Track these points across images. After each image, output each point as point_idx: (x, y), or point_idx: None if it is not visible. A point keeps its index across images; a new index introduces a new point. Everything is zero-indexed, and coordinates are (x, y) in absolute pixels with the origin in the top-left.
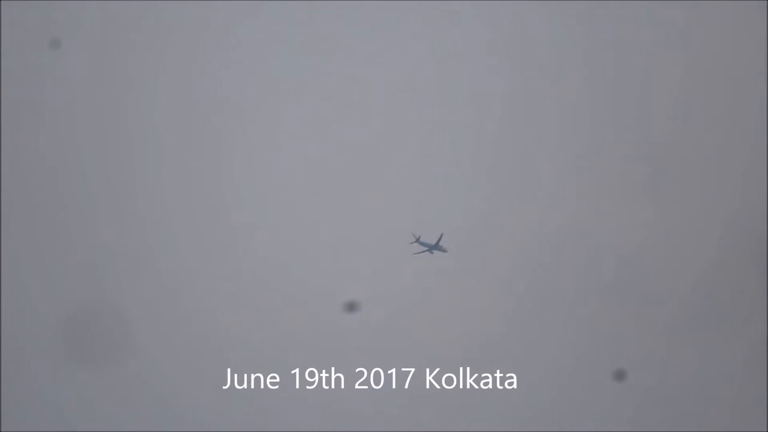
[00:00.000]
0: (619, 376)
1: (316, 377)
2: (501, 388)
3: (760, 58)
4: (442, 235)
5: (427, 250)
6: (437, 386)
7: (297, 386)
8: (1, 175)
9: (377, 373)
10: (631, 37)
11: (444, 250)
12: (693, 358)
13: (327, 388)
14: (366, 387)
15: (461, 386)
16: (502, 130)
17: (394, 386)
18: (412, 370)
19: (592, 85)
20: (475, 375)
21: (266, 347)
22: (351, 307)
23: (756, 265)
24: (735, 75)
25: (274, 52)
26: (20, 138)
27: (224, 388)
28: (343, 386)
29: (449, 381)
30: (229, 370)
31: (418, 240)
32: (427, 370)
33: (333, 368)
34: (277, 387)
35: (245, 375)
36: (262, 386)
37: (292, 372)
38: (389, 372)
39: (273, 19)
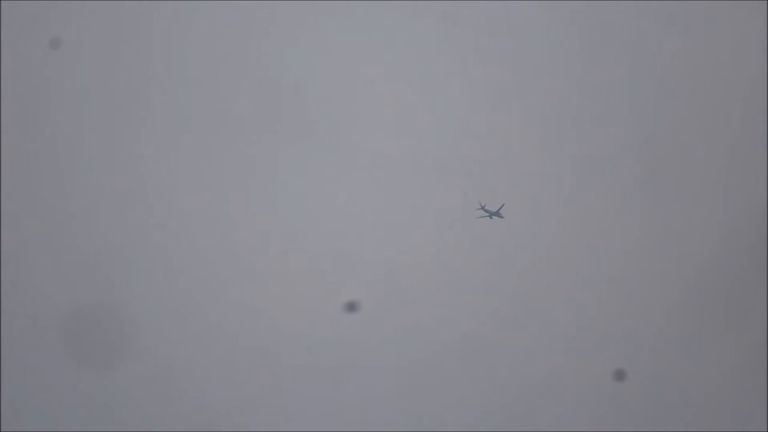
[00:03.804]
0: (619, 376)
1: (317, 377)
2: (501, 387)
3: (760, 58)
4: (503, 204)
5: (487, 216)
6: (437, 386)
7: (298, 386)
8: (1, 175)
9: (378, 373)
10: (631, 38)
11: (501, 217)
12: (693, 358)
13: (328, 387)
14: (367, 386)
15: (460, 386)
16: (500, 129)
17: (394, 386)
18: (412, 369)
19: (593, 86)
20: (474, 375)
21: (267, 347)
22: (351, 307)
23: (756, 265)
24: (735, 75)
25: (283, 50)
26: (20, 138)
27: (225, 388)
28: (343, 386)
29: (449, 381)
30: (229, 369)
31: (483, 207)
32: (427, 369)
33: (334, 368)
34: (277, 386)
35: (245, 375)
36: (262, 386)
37: (293, 372)
38: (389, 371)
39: (277, 19)
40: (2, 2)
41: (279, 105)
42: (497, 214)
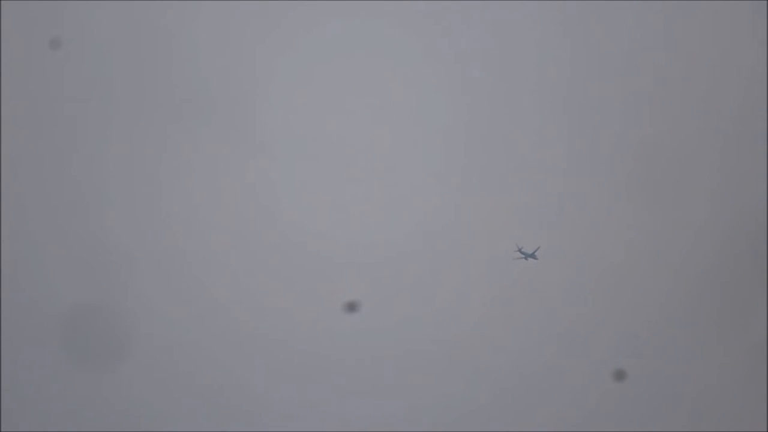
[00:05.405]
0: (619, 376)
1: (319, 377)
2: (500, 387)
3: (761, 58)
4: (539, 247)
5: (523, 258)
6: (436, 386)
7: (299, 386)
8: (1, 175)
9: (380, 371)
10: (631, 37)
11: (536, 258)
12: (693, 358)
13: (329, 388)
14: (368, 386)
15: (460, 386)
16: (500, 129)
17: (393, 385)
18: (411, 369)
19: (591, 86)
20: (474, 375)
21: (268, 348)
22: (351, 307)
23: (756, 265)
24: (735, 75)
25: (285, 50)
26: (20, 138)
27: (225, 388)
28: (345, 386)
29: (448, 380)
30: (230, 369)
31: (520, 250)
32: (426, 370)
33: (335, 368)
34: (278, 387)
35: (246, 375)
36: (263, 386)
37: (295, 372)
38: (390, 370)
39: (274, 19)
40: (2, 2)
41: (276, 103)
42: (532, 256)
